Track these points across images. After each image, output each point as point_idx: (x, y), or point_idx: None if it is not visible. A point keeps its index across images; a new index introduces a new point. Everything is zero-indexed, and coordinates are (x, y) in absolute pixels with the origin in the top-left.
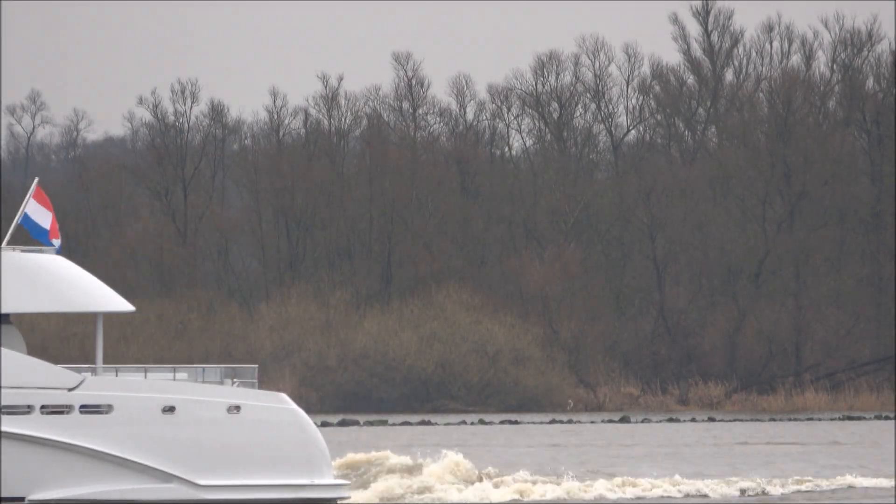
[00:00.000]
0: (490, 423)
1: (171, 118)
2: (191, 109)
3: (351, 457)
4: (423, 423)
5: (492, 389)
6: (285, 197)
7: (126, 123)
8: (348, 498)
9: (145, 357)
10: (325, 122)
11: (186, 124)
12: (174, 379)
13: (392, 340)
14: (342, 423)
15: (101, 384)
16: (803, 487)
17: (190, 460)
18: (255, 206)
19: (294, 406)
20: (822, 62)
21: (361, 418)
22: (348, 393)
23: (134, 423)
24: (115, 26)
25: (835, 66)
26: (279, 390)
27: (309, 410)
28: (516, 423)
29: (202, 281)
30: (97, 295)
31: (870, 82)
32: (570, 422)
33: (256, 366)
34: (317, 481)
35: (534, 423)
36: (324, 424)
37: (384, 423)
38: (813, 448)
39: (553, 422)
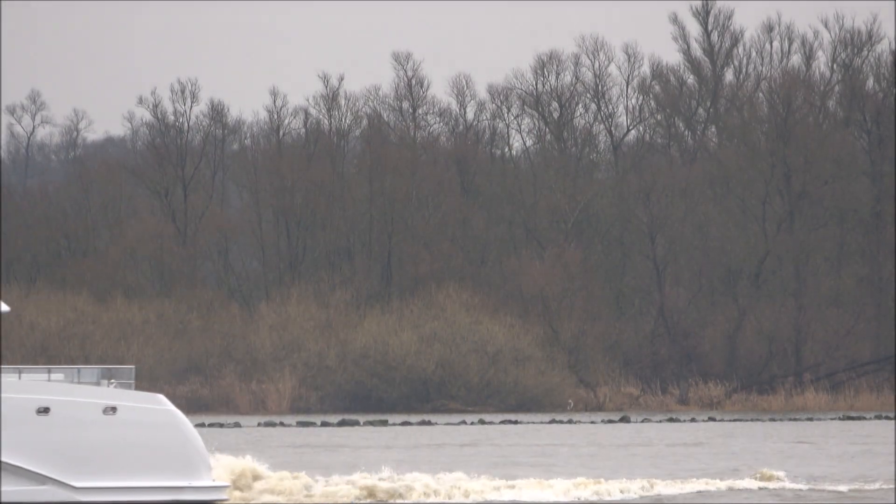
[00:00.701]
0: (490, 422)
1: (171, 118)
2: (191, 109)
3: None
4: (423, 423)
5: (492, 389)
6: (285, 197)
7: (126, 123)
8: (227, 500)
9: (145, 357)
10: (326, 122)
11: (186, 124)
12: (49, 380)
13: (392, 340)
14: (342, 424)
15: None
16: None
17: (65, 462)
18: (255, 206)
19: (171, 407)
20: (822, 62)
21: (361, 418)
22: (348, 393)
23: (8, 424)
24: (115, 26)
25: (835, 66)
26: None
27: (309, 410)
28: (516, 423)
29: (202, 281)
30: None
31: (870, 82)
32: (570, 422)
33: (133, 367)
34: (195, 483)
35: (534, 423)
36: (324, 424)
37: (384, 423)
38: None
39: (553, 422)
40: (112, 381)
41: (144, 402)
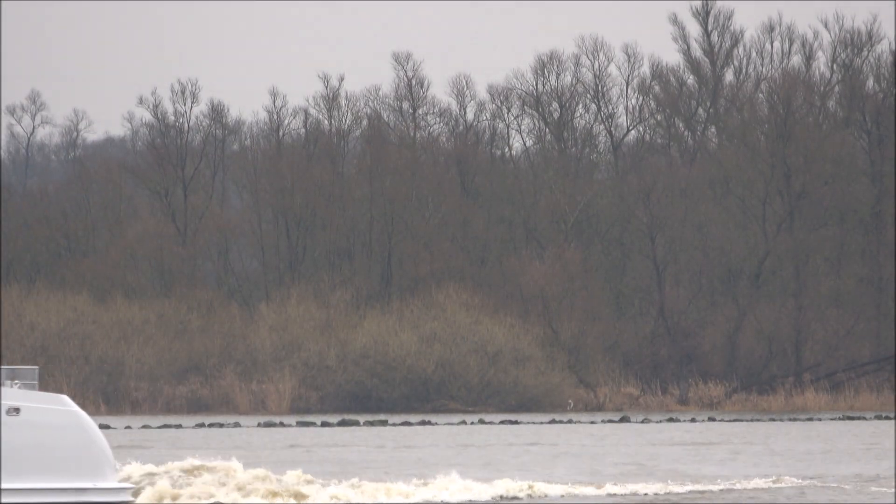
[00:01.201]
0: (490, 423)
1: (171, 118)
2: (191, 109)
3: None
4: (423, 423)
5: (492, 389)
6: (285, 197)
7: (126, 123)
8: (131, 501)
9: (145, 357)
10: (326, 122)
11: (186, 124)
12: None
13: (392, 340)
14: (342, 424)
15: None
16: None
17: None
18: (254, 206)
19: (76, 408)
20: (822, 62)
21: (361, 418)
22: (348, 393)
23: None
24: (115, 26)
25: (835, 66)
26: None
27: (309, 410)
28: (516, 423)
29: (202, 281)
30: None
31: (870, 82)
32: (570, 422)
33: (37, 367)
34: (99, 484)
35: (534, 423)
36: (324, 425)
37: (384, 423)
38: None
39: (553, 422)
40: (16, 381)
41: (48, 403)
